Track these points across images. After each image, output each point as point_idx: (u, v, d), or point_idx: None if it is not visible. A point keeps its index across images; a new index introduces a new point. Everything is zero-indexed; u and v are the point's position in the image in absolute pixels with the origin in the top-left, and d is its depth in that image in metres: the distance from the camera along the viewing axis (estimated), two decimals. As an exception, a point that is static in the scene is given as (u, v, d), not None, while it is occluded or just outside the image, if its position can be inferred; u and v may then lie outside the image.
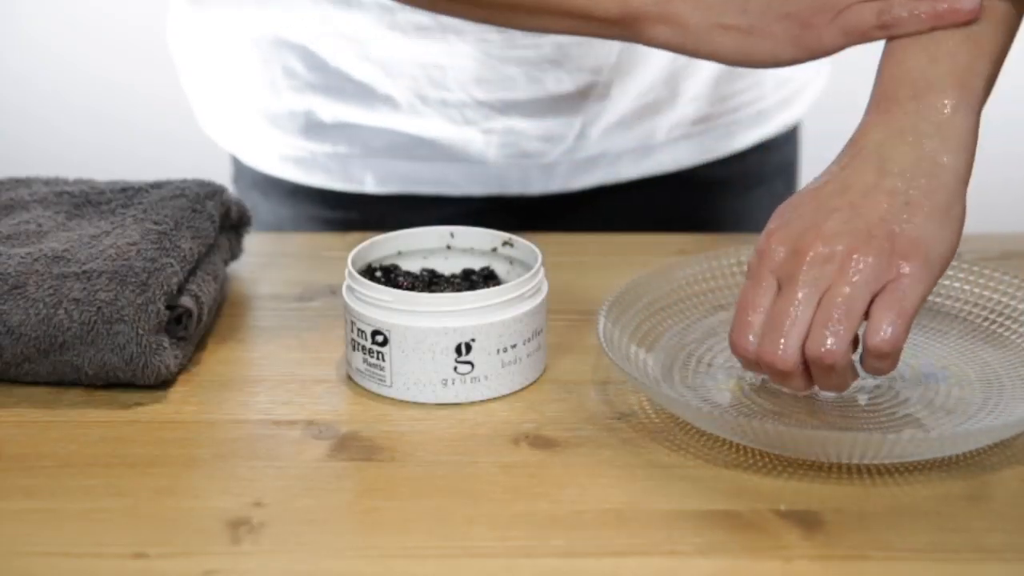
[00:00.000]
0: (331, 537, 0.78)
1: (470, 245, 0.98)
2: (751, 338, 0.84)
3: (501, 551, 0.77)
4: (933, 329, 0.97)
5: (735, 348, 0.85)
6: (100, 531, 0.79)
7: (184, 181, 1.04)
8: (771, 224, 0.87)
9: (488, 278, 0.97)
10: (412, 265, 0.98)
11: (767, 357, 0.84)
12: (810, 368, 0.84)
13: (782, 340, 0.83)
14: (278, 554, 0.77)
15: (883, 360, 0.84)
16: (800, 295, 0.83)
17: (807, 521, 0.79)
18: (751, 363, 0.85)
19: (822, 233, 0.84)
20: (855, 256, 0.83)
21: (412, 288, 0.94)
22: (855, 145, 0.88)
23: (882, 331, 0.83)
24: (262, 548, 0.77)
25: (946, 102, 0.86)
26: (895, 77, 0.88)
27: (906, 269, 0.83)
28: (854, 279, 0.83)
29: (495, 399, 0.91)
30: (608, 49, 1.16)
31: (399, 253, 0.98)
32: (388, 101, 1.18)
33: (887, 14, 0.88)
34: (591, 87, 1.17)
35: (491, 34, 1.14)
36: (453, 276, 0.97)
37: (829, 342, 0.82)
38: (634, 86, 1.19)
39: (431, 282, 0.96)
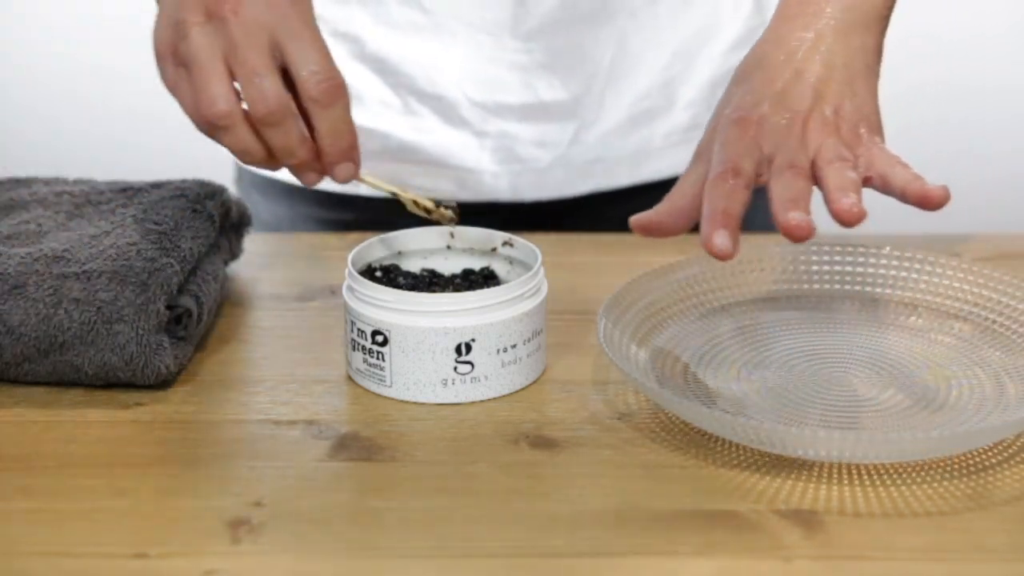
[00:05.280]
0: (331, 537, 0.78)
1: (470, 245, 0.98)
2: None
3: (501, 551, 0.77)
4: (933, 329, 0.98)
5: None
6: (100, 531, 0.79)
7: (184, 181, 1.05)
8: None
9: (488, 278, 0.97)
10: (412, 265, 0.98)
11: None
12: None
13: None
14: (278, 554, 0.77)
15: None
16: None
17: (807, 521, 0.79)
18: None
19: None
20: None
21: (412, 288, 0.94)
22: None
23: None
24: (262, 548, 0.77)
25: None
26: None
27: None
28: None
29: (495, 399, 0.91)
30: (601, 55, 1.16)
31: (399, 253, 0.98)
32: (383, 101, 1.18)
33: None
34: (585, 93, 1.17)
35: (482, 35, 1.15)
36: (453, 276, 0.97)
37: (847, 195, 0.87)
38: (629, 92, 1.19)
39: (431, 282, 0.96)
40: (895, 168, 0.89)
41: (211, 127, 0.87)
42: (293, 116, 0.87)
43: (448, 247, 0.98)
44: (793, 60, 0.92)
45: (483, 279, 0.97)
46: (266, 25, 0.87)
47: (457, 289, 0.95)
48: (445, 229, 0.98)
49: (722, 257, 0.86)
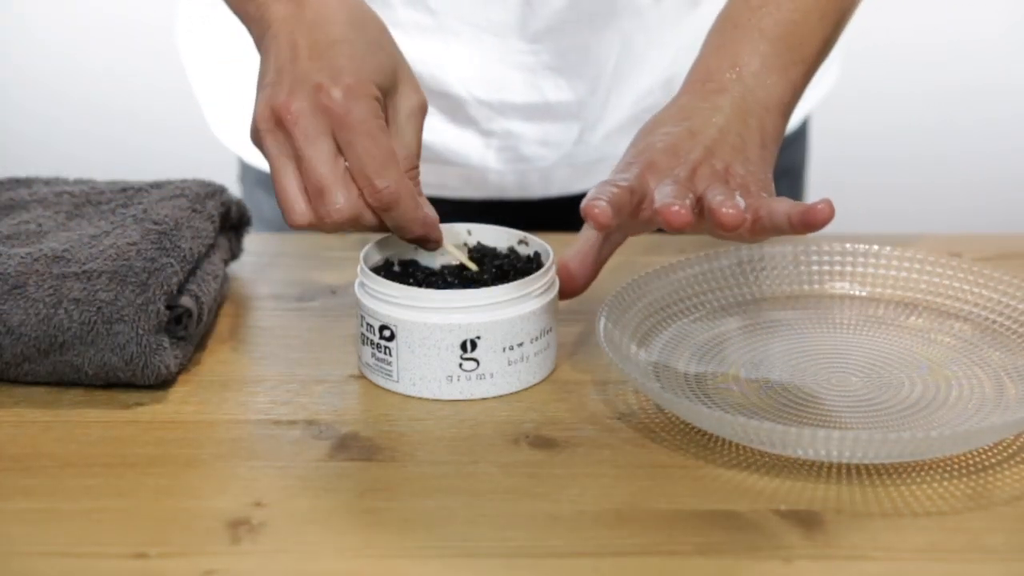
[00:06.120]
0: (331, 537, 0.78)
1: (487, 243, 0.98)
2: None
3: (501, 551, 0.77)
4: (933, 329, 0.98)
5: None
6: (100, 531, 0.79)
7: (184, 181, 1.05)
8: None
9: (508, 270, 0.96)
10: (430, 260, 0.98)
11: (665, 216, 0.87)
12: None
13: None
14: (278, 554, 0.77)
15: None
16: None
17: (807, 521, 0.79)
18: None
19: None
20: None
21: (428, 283, 0.94)
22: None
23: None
24: (262, 548, 0.77)
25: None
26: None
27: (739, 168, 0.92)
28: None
29: (495, 398, 0.91)
30: (606, 55, 1.16)
31: (418, 247, 0.97)
32: None
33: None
34: (590, 94, 1.17)
35: (488, 37, 1.15)
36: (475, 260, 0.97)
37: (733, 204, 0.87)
38: (632, 92, 1.19)
39: (460, 272, 0.95)
40: (781, 202, 0.88)
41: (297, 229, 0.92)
42: (363, 214, 0.90)
43: (465, 244, 0.98)
44: (690, 124, 0.94)
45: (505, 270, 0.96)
46: (325, 131, 0.89)
47: (482, 271, 0.95)
48: (462, 226, 0.98)
49: (595, 218, 0.87)
